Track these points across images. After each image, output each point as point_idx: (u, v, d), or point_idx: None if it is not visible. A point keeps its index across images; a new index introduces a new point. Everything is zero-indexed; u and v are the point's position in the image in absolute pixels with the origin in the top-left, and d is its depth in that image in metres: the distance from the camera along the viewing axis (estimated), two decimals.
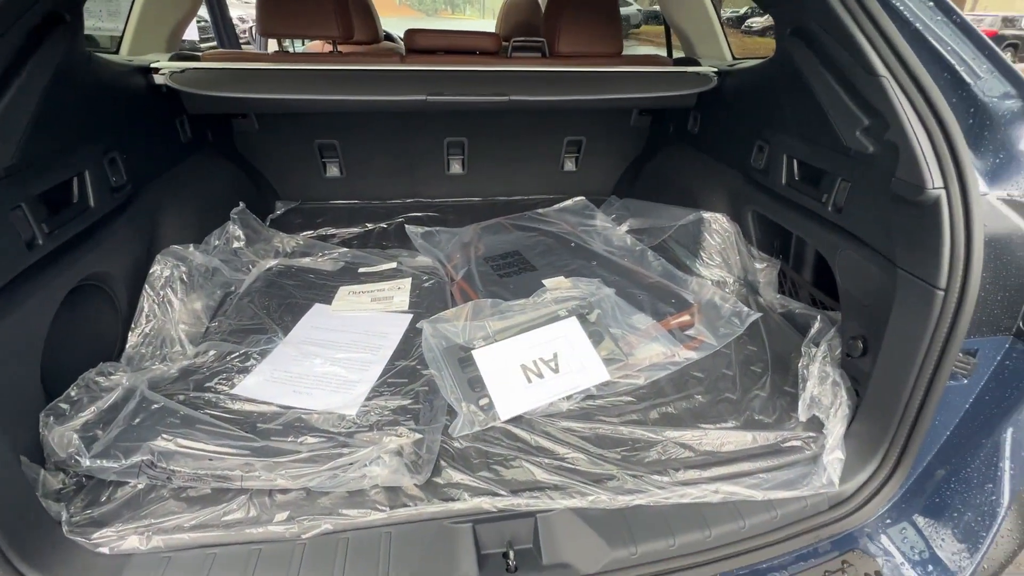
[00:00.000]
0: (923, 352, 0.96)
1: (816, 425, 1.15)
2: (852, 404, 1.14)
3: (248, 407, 1.15)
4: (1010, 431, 0.99)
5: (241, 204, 1.76)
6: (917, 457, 1.02)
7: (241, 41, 3.75)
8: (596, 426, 1.17)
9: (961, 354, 0.95)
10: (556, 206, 2.28)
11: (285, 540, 0.92)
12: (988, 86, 0.99)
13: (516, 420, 1.17)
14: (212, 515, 0.94)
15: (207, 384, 1.21)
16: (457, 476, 1.03)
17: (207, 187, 1.75)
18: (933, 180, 0.92)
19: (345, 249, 1.85)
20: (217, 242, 1.60)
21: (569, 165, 2.45)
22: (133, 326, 1.29)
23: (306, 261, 1.78)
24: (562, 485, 1.02)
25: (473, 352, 1.31)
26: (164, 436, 0.99)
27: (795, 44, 1.30)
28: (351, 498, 0.99)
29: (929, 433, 1.00)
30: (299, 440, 1.06)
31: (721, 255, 1.75)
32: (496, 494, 0.99)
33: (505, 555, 0.93)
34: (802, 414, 1.18)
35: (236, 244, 1.66)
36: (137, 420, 1.03)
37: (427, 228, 2.04)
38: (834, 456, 1.06)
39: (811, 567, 0.98)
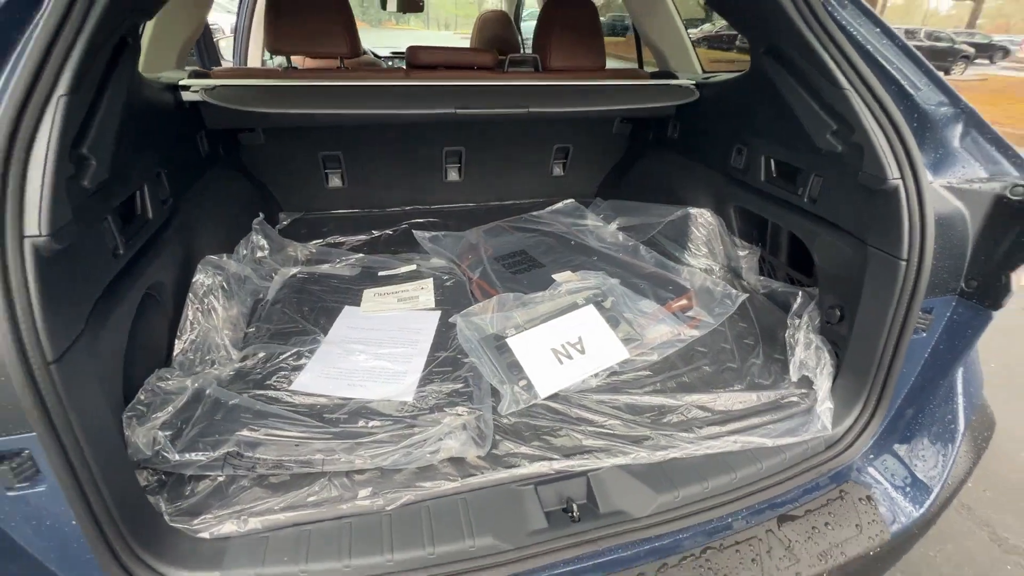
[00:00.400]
0: (891, 313, 1.16)
1: (806, 383, 1.35)
2: (834, 363, 1.34)
3: (310, 400, 1.23)
4: (960, 371, 1.23)
5: (260, 215, 1.81)
6: (891, 400, 1.23)
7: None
8: (624, 397, 1.31)
9: (921, 312, 1.17)
10: (548, 208, 2.44)
11: (373, 512, 1.01)
12: (926, 96, 1.21)
13: (554, 397, 1.30)
14: (297, 497, 1.02)
15: (266, 383, 1.28)
16: (513, 447, 1.15)
17: (225, 199, 1.79)
18: (892, 172, 1.13)
19: (361, 255, 1.93)
20: (244, 251, 1.65)
21: (557, 170, 2.62)
22: (179, 333, 1.34)
23: (325, 267, 1.85)
24: (606, 447, 1.15)
25: (507, 340, 1.44)
26: (250, 427, 1.06)
27: (769, 62, 1.51)
28: (422, 473, 1.09)
29: (899, 380, 1.21)
30: (369, 425, 1.15)
31: (707, 246, 1.95)
32: (551, 459, 1.12)
33: (566, 510, 1.06)
34: (793, 375, 1.37)
35: (260, 253, 1.72)
36: (218, 416, 1.10)
37: (433, 233, 2.14)
38: (825, 407, 1.26)
39: (816, 497, 1.17)
